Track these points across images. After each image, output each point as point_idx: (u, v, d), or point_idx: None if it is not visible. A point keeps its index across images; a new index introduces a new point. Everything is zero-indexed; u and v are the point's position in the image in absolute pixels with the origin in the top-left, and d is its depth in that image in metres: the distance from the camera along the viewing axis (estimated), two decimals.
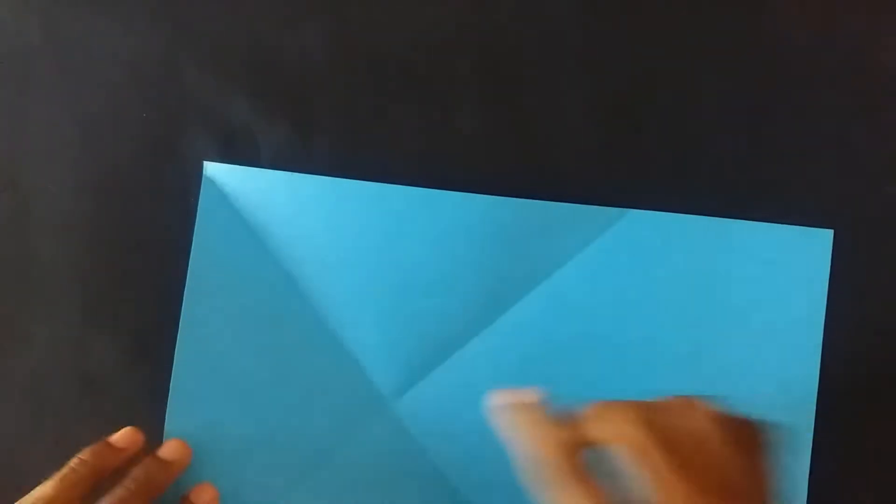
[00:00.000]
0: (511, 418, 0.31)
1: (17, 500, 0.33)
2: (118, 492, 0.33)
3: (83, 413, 0.38)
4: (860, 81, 0.38)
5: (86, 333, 0.38)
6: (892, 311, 0.37)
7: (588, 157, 0.38)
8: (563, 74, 0.38)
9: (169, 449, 0.35)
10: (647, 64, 0.38)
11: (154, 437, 0.37)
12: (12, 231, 0.38)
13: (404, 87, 0.39)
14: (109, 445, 0.35)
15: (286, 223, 0.37)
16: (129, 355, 0.38)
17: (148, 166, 0.38)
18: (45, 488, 0.32)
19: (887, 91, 0.38)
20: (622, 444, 0.28)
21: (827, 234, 0.37)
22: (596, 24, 0.39)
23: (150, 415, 0.37)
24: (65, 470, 0.33)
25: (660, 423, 0.28)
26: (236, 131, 0.38)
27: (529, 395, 0.31)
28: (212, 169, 0.38)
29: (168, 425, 0.37)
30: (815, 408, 0.36)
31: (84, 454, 0.34)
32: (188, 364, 0.37)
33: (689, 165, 0.38)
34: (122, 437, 0.35)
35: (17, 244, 0.38)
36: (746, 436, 0.29)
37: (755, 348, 0.37)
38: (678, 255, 0.37)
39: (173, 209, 0.38)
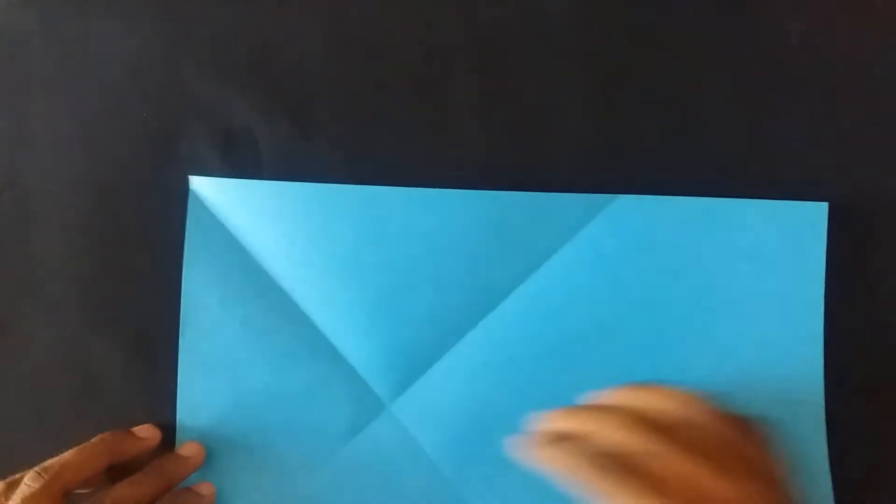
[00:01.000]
0: (535, 456, 0.31)
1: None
2: (138, 476, 0.35)
3: (83, 413, 0.38)
4: (854, 59, 0.38)
5: (86, 333, 0.38)
6: (890, 281, 0.37)
7: (588, 156, 0.38)
8: (561, 74, 0.38)
9: (186, 448, 0.37)
10: (645, 62, 0.38)
11: None
12: (12, 231, 0.38)
13: (404, 86, 0.39)
14: (129, 432, 0.37)
15: (273, 231, 0.37)
16: (129, 355, 0.38)
17: (148, 166, 0.38)
18: (64, 454, 0.34)
19: (881, 70, 0.38)
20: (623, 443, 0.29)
21: (822, 207, 0.37)
22: (595, 22, 0.39)
23: (151, 414, 0.37)
24: (86, 443, 0.35)
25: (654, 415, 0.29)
26: (236, 131, 0.38)
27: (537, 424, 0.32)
28: (197, 182, 0.38)
29: (179, 433, 0.37)
30: (822, 380, 0.36)
31: (105, 434, 0.35)
32: (192, 372, 0.37)
33: (687, 155, 0.38)
34: (142, 429, 0.37)
35: (17, 244, 0.38)
36: (745, 430, 0.30)
37: (756, 325, 0.36)
38: (672, 238, 0.37)
39: (173, 209, 0.38)
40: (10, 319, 0.38)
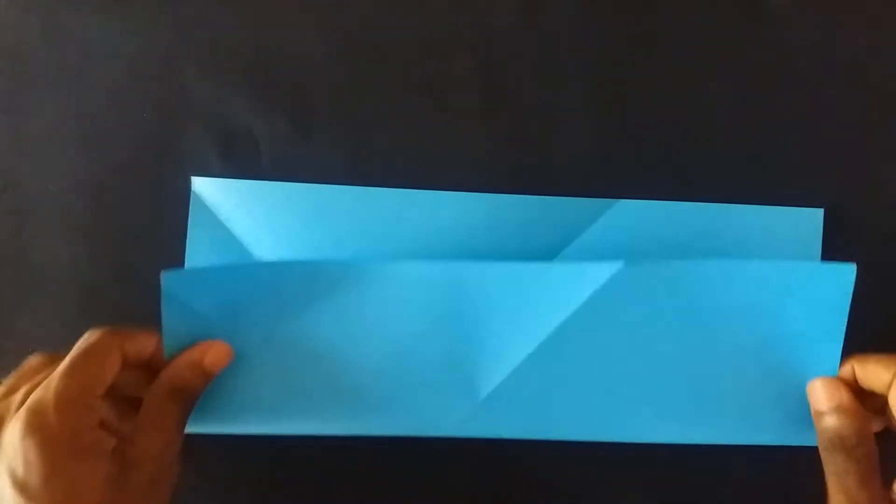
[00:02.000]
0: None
1: None
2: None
3: None
4: (849, 64, 0.38)
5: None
6: (885, 287, 0.38)
7: (589, 157, 0.38)
8: (562, 76, 0.39)
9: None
10: (645, 65, 0.39)
11: None
12: (12, 231, 0.38)
13: (404, 86, 0.39)
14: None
15: (275, 232, 0.37)
16: None
17: (148, 166, 0.38)
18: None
19: (876, 74, 0.38)
20: None
21: (817, 213, 0.37)
22: (596, 25, 0.39)
23: None
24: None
25: None
26: (236, 131, 0.38)
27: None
28: (199, 183, 0.38)
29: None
30: None
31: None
32: None
33: (685, 158, 0.38)
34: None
35: (17, 244, 0.38)
36: None
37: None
38: (667, 242, 0.37)
39: (173, 209, 0.38)
40: (10, 319, 0.38)
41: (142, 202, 0.38)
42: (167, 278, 0.33)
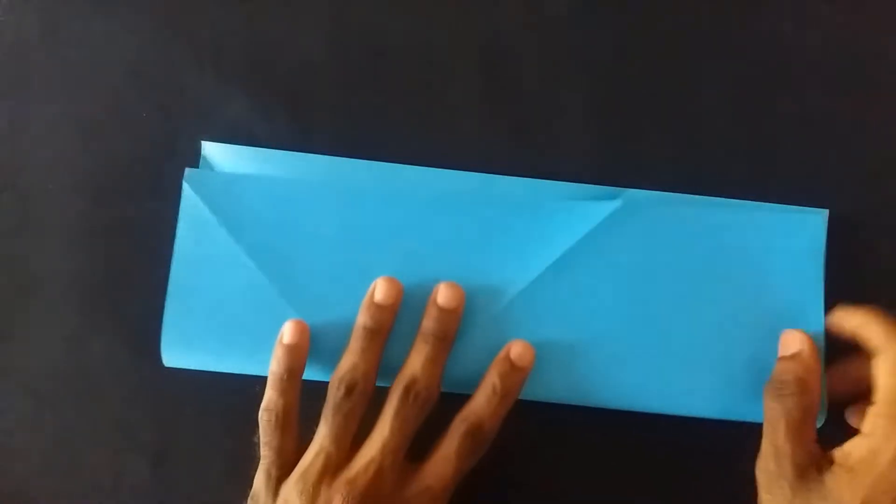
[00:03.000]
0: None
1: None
2: (425, 349, 0.34)
3: (83, 413, 0.38)
4: (855, 65, 0.38)
5: (86, 333, 0.38)
6: (888, 291, 0.37)
7: (589, 157, 0.38)
8: (562, 75, 0.39)
9: (446, 297, 0.35)
10: (646, 62, 0.39)
11: (154, 430, 0.37)
12: (12, 231, 0.38)
13: (404, 86, 0.39)
14: (381, 306, 0.34)
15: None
16: (129, 355, 0.38)
17: (148, 166, 0.38)
18: (348, 357, 0.34)
19: (882, 74, 0.38)
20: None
21: (822, 214, 0.37)
22: (596, 23, 0.39)
23: (151, 414, 0.37)
24: (359, 340, 0.34)
25: None
26: (236, 131, 0.38)
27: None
28: (209, 148, 0.38)
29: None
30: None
31: (367, 320, 0.34)
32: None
33: (686, 159, 0.38)
34: (386, 292, 0.35)
35: (17, 244, 0.38)
36: None
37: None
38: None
39: (173, 209, 0.38)
40: (10, 320, 0.38)
41: (142, 202, 0.38)
42: (190, 175, 0.37)
